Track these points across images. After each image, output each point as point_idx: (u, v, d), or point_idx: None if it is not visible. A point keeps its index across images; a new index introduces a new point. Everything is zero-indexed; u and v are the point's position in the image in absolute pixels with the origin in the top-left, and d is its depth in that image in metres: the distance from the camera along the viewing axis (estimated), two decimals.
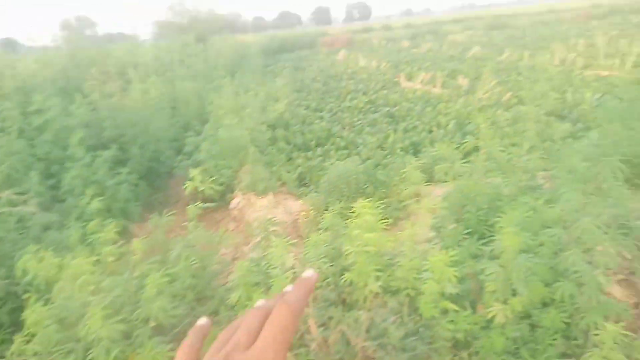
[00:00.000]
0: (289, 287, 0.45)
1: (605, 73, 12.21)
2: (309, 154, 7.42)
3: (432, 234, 3.92)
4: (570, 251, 2.45)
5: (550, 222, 2.78)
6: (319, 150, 7.50)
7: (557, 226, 2.68)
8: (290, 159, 7.40)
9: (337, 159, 6.74)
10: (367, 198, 5.58)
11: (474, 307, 2.73)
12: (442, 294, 2.55)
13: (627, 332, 2.47)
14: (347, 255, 2.73)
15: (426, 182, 5.39)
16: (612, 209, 2.67)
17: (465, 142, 3.84)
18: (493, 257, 2.57)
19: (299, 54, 26.18)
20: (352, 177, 5.51)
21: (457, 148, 4.19)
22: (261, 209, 6.23)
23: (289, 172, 6.58)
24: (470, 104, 10.02)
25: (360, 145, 7.38)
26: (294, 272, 2.70)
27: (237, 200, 6.27)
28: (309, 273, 0.45)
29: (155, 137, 7.31)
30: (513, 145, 4.47)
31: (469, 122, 8.56)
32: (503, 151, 3.85)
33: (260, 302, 0.44)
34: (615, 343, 2.11)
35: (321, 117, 9.63)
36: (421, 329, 2.42)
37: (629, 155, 5.73)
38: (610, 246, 2.74)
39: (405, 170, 3.62)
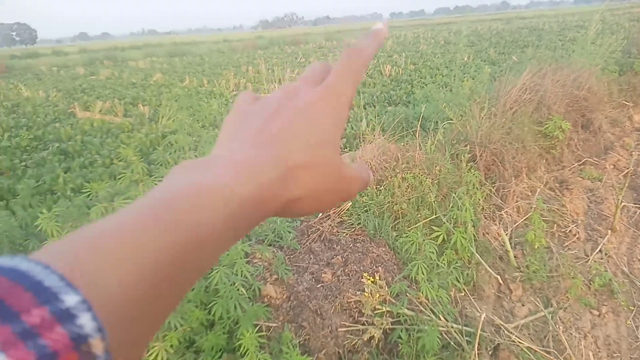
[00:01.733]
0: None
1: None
2: None
3: None
4: (216, 270, 2.62)
5: None
6: None
7: None
8: None
9: None
10: None
11: None
12: None
13: (270, 324, 2.82)
14: None
15: None
16: None
17: (122, 176, 3.66)
18: None
19: None
20: (3, 235, 4.51)
21: (117, 182, 3.97)
22: None
23: None
24: (154, 132, 9.92)
25: (21, 193, 6.18)
26: None
27: None
28: (379, 25, 0.40)
29: None
30: None
31: (154, 151, 8.45)
32: (159, 180, 3.87)
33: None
34: (256, 346, 2.36)
35: None
36: None
37: None
38: (255, 252, 3.08)
39: (39, 222, 3.15)
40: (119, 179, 4.00)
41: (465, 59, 16.71)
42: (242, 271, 2.71)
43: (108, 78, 19.96)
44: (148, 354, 2.46)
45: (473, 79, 9.98)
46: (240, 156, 0.32)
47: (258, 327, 2.69)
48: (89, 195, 5.36)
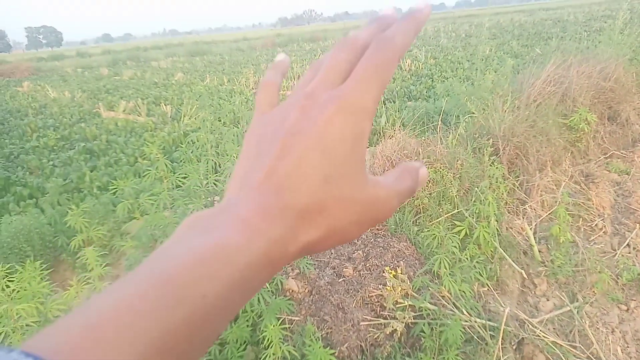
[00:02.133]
0: (388, 11, 0.35)
1: (289, 93, 14.36)
2: None
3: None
4: None
5: None
6: None
7: None
8: None
9: (21, 212, 5.64)
10: (62, 252, 4.90)
11: None
12: None
13: (293, 318, 2.85)
14: None
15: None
16: None
17: (146, 173, 3.75)
18: None
19: None
20: (34, 232, 4.68)
21: (142, 179, 4.08)
22: None
23: None
24: (176, 130, 10.09)
25: (49, 191, 6.37)
26: None
27: None
28: (420, 4, 0.34)
29: None
30: (202, 171, 4.67)
31: (177, 149, 8.60)
32: (185, 177, 3.94)
33: (353, 34, 0.34)
34: (279, 338, 2.39)
35: None
36: None
37: None
38: None
39: (68, 218, 3.26)
40: (144, 176, 4.10)
41: (487, 52, 16.44)
42: None
43: (131, 78, 20.37)
44: None
45: (495, 71, 9.83)
46: (249, 210, 0.29)
47: (281, 320, 2.73)
48: (115, 192, 5.51)
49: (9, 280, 2.58)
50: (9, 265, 2.53)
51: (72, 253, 4.27)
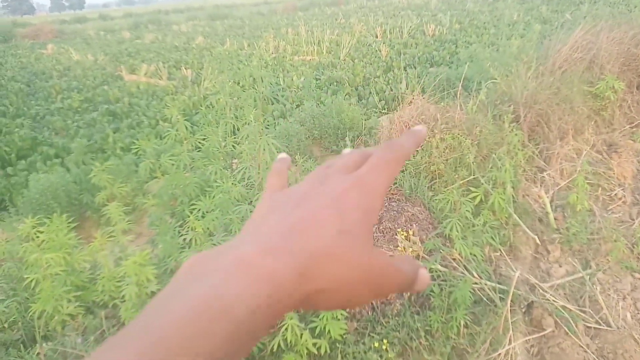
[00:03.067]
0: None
1: (309, 58, 14.17)
2: (9, 170, 6.20)
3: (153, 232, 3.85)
4: None
5: (239, 200, 3.06)
6: (22, 164, 6.35)
7: (245, 202, 2.97)
8: None
9: (48, 171, 5.86)
10: (87, 209, 5.10)
11: None
12: (147, 295, 2.51)
13: None
14: (29, 283, 2.39)
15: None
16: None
17: (167, 134, 3.84)
18: (189, 245, 2.66)
19: None
20: (61, 189, 4.87)
21: (162, 140, 4.18)
22: None
23: None
24: (196, 94, 10.15)
25: (74, 151, 6.57)
26: None
27: None
28: (418, 127, 0.40)
29: None
30: (220, 133, 4.73)
31: (197, 113, 8.69)
32: (205, 139, 4.02)
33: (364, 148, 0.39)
34: None
35: (22, 124, 8.16)
36: None
37: (324, 126, 6.86)
38: None
39: (94, 174, 3.38)
40: (165, 137, 4.20)
41: (515, 17, 15.81)
42: None
43: (152, 42, 20.36)
44: None
45: (522, 37, 9.50)
46: (253, 249, 0.29)
47: None
48: (137, 153, 5.64)
49: (39, 231, 2.73)
50: (37, 217, 2.67)
51: (97, 209, 4.44)
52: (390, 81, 9.42)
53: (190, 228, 2.79)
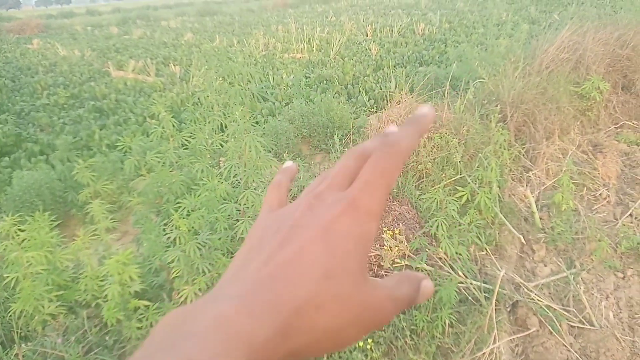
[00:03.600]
0: (393, 127, 0.35)
1: (299, 55, 14.13)
2: None
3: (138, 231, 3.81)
4: (242, 220, 2.73)
5: (225, 198, 3.03)
6: (5, 161, 6.24)
7: (231, 201, 2.95)
8: None
9: (32, 168, 5.76)
10: (72, 207, 5.02)
11: (170, 296, 2.77)
12: (131, 294, 2.48)
13: None
14: (9, 282, 2.35)
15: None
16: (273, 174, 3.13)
17: (153, 131, 3.79)
18: (174, 243, 2.64)
19: None
20: (45, 187, 4.80)
21: (149, 138, 4.13)
22: None
23: None
24: (184, 91, 10.07)
25: (59, 148, 6.47)
26: None
27: None
28: (424, 109, 0.35)
29: None
30: (207, 131, 4.69)
31: (184, 110, 8.61)
32: (191, 136, 3.98)
33: (360, 144, 0.35)
34: None
35: (6, 121, 8.01)
36: (107, 338, 2.31)
37: (313, 125, 6.85)
38: None
39: (77, 172, 3.33)
40: (151, 134, 4.15)
41: (504, 17, 15.93)
42: None
43: (140, 37, 20.13)
44: (178, 296, 2.63)
45: (510, 37, 9.56)
46: (232, 306, 0.27)
47: None
48: (123, 150, 5.56)
49: (20, 230, 2.67)
50: (19, 214, 2.62)
51: (81, 207, 4.37)
52: (379, 80, 9.43)
53: (174, 227, 2.76)
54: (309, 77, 10.54)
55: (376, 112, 7.41)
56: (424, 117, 0.35)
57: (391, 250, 2.94)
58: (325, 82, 9.94)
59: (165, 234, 2.95)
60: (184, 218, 2.68)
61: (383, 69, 10.38)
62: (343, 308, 0.29)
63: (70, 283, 2.66)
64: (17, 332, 2.20)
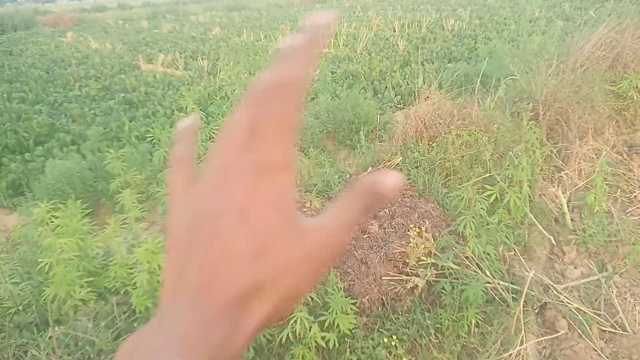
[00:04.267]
0: (287, 43, 0.31)
1: (325, 51, 14.08)
2: (26, 155, 6.30)
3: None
4: None
5: None
6: (39, 150, 6.44)
7: None
8: (0, 164, 6.14)
9: (64, 158, 5.93)
10: (102, 196, 5.15)
11: None
12: (159, 282, 2.53)
13: None
14: (43, 267, 2.42)
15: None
16: (301, 169, 3.14)
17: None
18: None
19: (11, 37, 21.73)
20: (76, 176, 4.93)
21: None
22: None
23: None
24: (212, 85, 10.18)
25: (90, 139, 6.64)
26: None
27: None
28: (315, 17, 0.31)
29: None
30: None
31: (212, 103, 8.71)
32: (218, 129, 4.01)
33: (256, 81, 0.30)
34: None
35: (41, 111, 8.27)
36: (135, 324, 2.36)
37: (339, 120, 6.83)
38: (305, 201, 3.19)
39: (108, 162, 3.40)
40: None
41: (537, 13, 15.50)
42: None
43: (170, 31, 20.44)
44: None
45: (543, 34, 9.29)
46: (184, 323, 0.27)
47: None
48: (152, 141, 5.65)
49: (54, 216, 2.76)
50: (52, 202, 2.69)
51: (111, 197, 4.49)
52: (407, 76, 9.32)
53: None
54: (335, 72, 10.50)
55: (403, 108, 7.34)
56: (315, 30, 0.31)
57: (417, 248, 2.91)
58: (351, 77, 9.89)
59: None
60: None
61: (410, 65, 10.25)
62: (285, 275, 0.29)
63: (100, 270, 2.73)
64: (50, 315, 2.27)
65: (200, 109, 7.25)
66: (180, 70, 12.19)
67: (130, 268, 2.58)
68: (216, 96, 8.90)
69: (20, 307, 2.46)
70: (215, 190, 0.30)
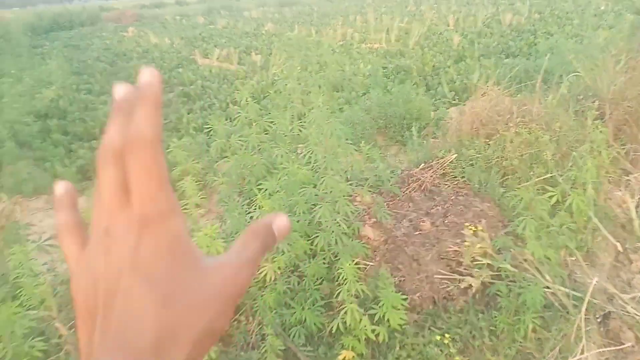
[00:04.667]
0: (121, 90, 0.31)
1: (377, 46, 13.96)
2: (93, 143, 6.71)
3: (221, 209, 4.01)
4: (320, 205, 2.77)
5: (304, 182, 3.09)
6: None
7: (310, 185, 3.00)
8: (70, 151, 6.57)
9: None
10: None
11: None
12: None
13: (368, 263, 2.94)
14: None
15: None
16: (352, 163, 3.14)
17: (237, 116, 3.95)
18: None
19: (79, 32, 23.06)
20: None
21: (232, 122, 4.30)
22: (36, 211, 5.44)
23: (66, 167, 5.83)
24: (264, 79, 10.37)
25: None
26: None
27: (1, 206, 5.32)
28: (145, 75, 0.30)
29: None
30: (288, 117, 4.80)
31: (264, 97, 8.88)
32: (272, 122, 4.09)
33: (105, 142, 0.30)
34: (354, 276, 2.49)
35: (106, 102, 8.75)
36: None
37: (390, 115, 6.76)
38: (355, 195, 3.20)
39: (170, 150, 3.55)
40: (235, 119, 4.33)
41: (603, 7, 14.59)
42: (344, 209, 2.83)
43: (224, 27, 20.97)
44: (259, 272, 2.73)
45: (610, 28, 8.73)
46: None
47: (355, 262, 2.83)
48: (209, 133, 5.83)
49: None
50: None
51: (171, 184, 4.68)
52: (461, 71, 9.08)
53: (257, 206, 2.87)
54: (387, 67, 10.39)
55: (457, 104, 7.15)
56: (150, 87, 0.30)
57: (472, 247, 2.84)
58: (403, 72, 9.75)
59: (248, 213, 3.08)
60: (267, 199, 2.77)
61: (465, 60, 9.96)
62: (196, 317, 0.30)
63: None
64: None
65: (255, 102, 7.37)
66: (235, 64, 12.49)
67: None
68: (269, 90, 9.06)
69: None
70: (104, 254, 0.30)
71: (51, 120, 7.40)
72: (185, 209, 3.01)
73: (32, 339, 2.04)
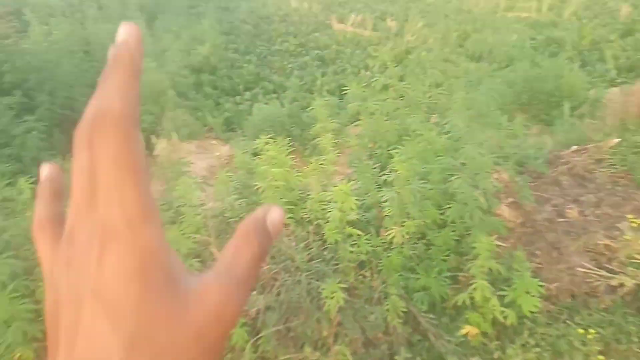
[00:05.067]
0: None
1: (525, 15, 12.70)
2: (237, 98, 7.30)
3: (349, 169, 4.12)
4: (457, 176, 2.68)
5: (441, 152, 3.00)
6: (247, 95, 7.40)
7: (447, 155, 2.90)
8: (217, 104, 7.25)
9: (266, 103, 6.70)
10: (295, 140, 5.71)
11: (378, 232, 2.94)
12: (347, 221, 2.72)
13: (501, 244, 2.80)
14: (257, 190, 2.81)
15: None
16: (492, 137, 2.95)
17: (375, 79, 3.94)
18: (391, 186, 2.75)
19: None
20: (277, 120, 5.53)
21: (367, 86, 4.30)
22: (187, 154, 6.16)
23: (214, 117, 6.46)
24: (398, 47, 10.16)
25: (288, 89, 7.34)
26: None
27: (162, 147, 6.12)
28: (120, 34, 0.26)
29: (66, 82, 6.81)
30: (427, 84, 4.65)
31: (397, 65, 8.74)
32: (409, 88, 4.00)
33: (79, 127, 0.25)
34: (489, 253, 2.39)
35: (250, 61, 9.39)
36: (325, 253, 2.60)
37: (536, 91, 6.19)
38: (493, 171, 3.03)
39: (312, 108, 3.68)
40: (372, 82, 4.32)
41: None
42: (483, 183, 2.70)
43: None
44: (386, 234, 2.77)
45: None
46: None
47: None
48: (341, 96, 5.92)
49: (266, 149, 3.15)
50: (269, 136, 3.08)
51: (302, 142, 4.93)
52: (628, 47, 7.86)
53: (391, 170, 2.88)
54: (535, 38, 9.44)
55: (621, 84, 6.24)
56: (124, 48, 0.25)
57: (631, 244, 2.51)
58: (555, 45, 8.78)
59: (381, 175, 3.10)
60: (403, 162, 2.76)
61: (635, 35, 8.58)
62: (174, 354, 0.24)
63: (298, 201, 3.05)
64: None
65: (394, 67, 7.26)
66: (369, 30, 12.40)
67: (323, 204, 2.82)
68: (402, 59, 8.87)
69: (237, 219, 2.93)
70: (66, 264, 0.25)
71: (203, 75, 8.20)
72: (321, 164, 3.14)
73: (192, 258, 2.37)
